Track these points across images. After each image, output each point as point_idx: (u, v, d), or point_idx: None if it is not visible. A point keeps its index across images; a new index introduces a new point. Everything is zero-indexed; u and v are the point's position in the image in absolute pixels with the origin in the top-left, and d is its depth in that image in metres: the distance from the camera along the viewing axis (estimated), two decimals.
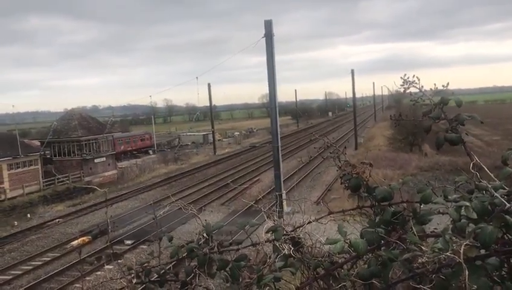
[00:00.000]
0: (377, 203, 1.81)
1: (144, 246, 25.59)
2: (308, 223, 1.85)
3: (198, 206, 34.16)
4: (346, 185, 1.88)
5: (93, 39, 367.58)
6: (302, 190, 36.52)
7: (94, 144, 51.94)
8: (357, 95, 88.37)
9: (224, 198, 36.24)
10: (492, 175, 1.66)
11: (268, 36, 21.39)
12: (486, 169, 1.69)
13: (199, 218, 2.11)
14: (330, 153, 1.96)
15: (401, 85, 1.92)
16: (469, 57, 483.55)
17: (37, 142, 54.35)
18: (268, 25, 21.36)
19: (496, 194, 1.41)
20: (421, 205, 1.69)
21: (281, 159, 22.93)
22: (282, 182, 22.95)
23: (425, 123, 1.89)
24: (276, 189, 22.95)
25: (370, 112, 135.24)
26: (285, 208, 18.07)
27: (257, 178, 43.70)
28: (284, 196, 22.48)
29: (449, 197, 1.65)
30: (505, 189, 1.55)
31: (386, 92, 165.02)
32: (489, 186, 1.52)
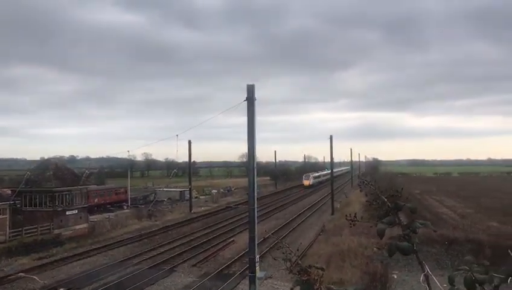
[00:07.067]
0: None
1: None
2: None
3: (169, 266, 33.11)
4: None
5: (74, 90, 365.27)
6: (277, 254, 35.87)
7: (67, 196, 50.67)
8: (335, 160, 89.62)
9: (196, 259, 35.35)
10: (442, 288, 1.65)
11: (250, 100, 21.80)
12: (436, 281, 1.68)
13: None
14: (283, 253, 1.93)
15: (360, 190, 1.95)
16: (442, 130, 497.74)
17: (8, 191, 52.79)
18: (250, 89, 21.84)
19: None
20: None
21: (256, 221, 22.61)
22: (256, 245, 22.51)
23: (380, 227, 1.89)
24: (250, 252, 22.45)
25: (347, 177, 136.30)
26: (258, 273, 17.56)
27: (231, 239, 42.95)
28: (257, 259, 21.99)
29: None
30: None
31: (363, 159, 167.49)
32: None
